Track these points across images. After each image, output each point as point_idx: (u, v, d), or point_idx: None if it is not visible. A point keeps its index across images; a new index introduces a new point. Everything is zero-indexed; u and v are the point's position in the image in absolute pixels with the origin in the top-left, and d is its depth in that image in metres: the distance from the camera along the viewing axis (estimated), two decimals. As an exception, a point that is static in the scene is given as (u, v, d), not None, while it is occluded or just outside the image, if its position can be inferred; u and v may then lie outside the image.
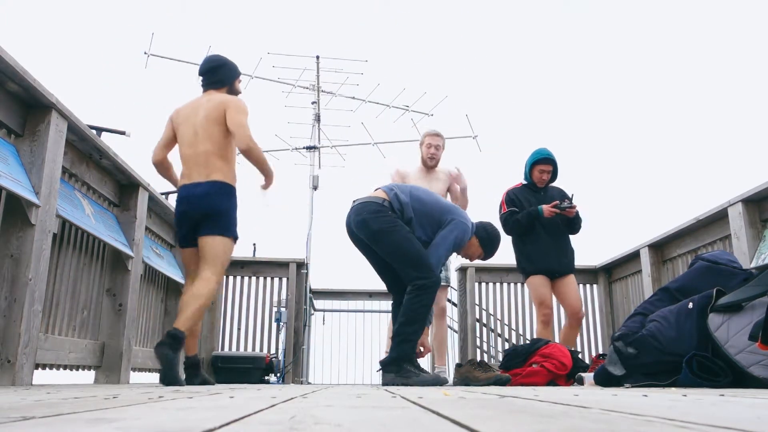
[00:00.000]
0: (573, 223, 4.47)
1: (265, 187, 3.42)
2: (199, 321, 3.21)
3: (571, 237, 4.57)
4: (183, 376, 3.10)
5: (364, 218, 3.49)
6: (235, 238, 3.28)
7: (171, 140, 3.37)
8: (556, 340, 5.12)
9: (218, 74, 3.41)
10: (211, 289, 3.14)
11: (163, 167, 3.42)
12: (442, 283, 4.42)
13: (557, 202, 4.33)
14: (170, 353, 2.92)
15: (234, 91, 3.44)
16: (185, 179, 3.24)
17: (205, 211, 3.17)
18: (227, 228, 3.21)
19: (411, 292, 3.48)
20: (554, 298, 4.64)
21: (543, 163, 4.52)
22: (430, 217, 3.55)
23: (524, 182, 4.61)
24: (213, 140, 3.21)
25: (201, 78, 3.44)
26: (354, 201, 3.65)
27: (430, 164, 4.60)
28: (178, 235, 3.33)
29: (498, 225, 4.22)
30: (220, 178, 3.20)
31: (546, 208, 4.32)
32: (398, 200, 3.54)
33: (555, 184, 4.65)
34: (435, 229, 3.56)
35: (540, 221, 4.38)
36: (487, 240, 3.73)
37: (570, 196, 4.52)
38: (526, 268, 4.56)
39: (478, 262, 4.73)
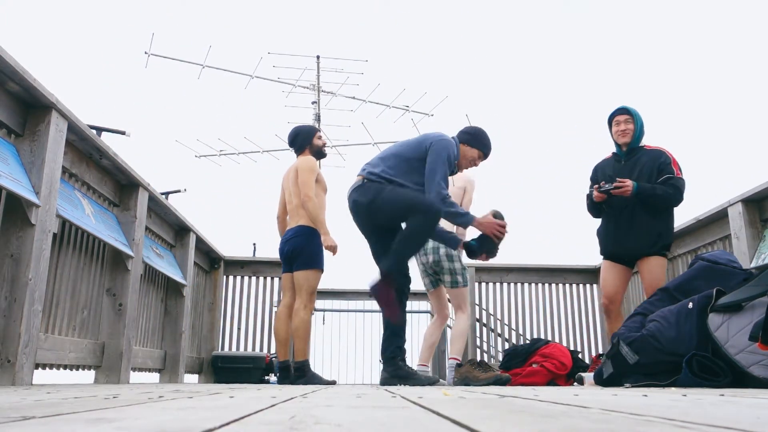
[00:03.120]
0: (647, 202, 3.72)
1: (326, 248, 4.07)
2: (307, 344, 4.06)
3: (654, 216, 3.76)
4: (314, 382, 3.94)
5: (355, 199, 3.61)
6: (317, 269, 4.07)
7: (284, 201, 4.35)
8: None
9: (296, 142, 4.33)
10: (303, 320, 4.00)
11: (280, 224, 4.38)
12: (452, 287, 4.25)
13: (597, 186, 3.79)
14: (304, 379, 3.92)
15: (314, 148, 4.30)
16: (288, 226, 4.22)
17: (291, 249, 4.08)
18: (309, 262, 4.05)
19: (412, 219, 3.47)
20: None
21: (619, 113, 3.91)
22: (412, 160, 3.58)
23: (614, 151, 4.02)
24: (298, 195, 4.11)
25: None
26: (348, 191, 3.74)
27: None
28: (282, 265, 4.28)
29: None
30: (303, 223, 4.08)
31: (594, 194, 3.81)
32: (373, 174, 3.61)
33: (659, 146, 3.89)
34: (422, 161, 3.59)
35: (609, 203, 3.83)
36: (473, 139, 3.75)
37: (663, 160, 3.77)
38: (600, 251, 4.05)
39: (478, 262, 4.73)
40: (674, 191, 3.68)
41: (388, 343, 3.56)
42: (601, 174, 3.98)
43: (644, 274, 3.81)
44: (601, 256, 4.05)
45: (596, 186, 3.78)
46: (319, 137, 4.41)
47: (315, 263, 4.07)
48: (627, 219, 3.78)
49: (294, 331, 4.03)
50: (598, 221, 4.09)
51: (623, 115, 3.90)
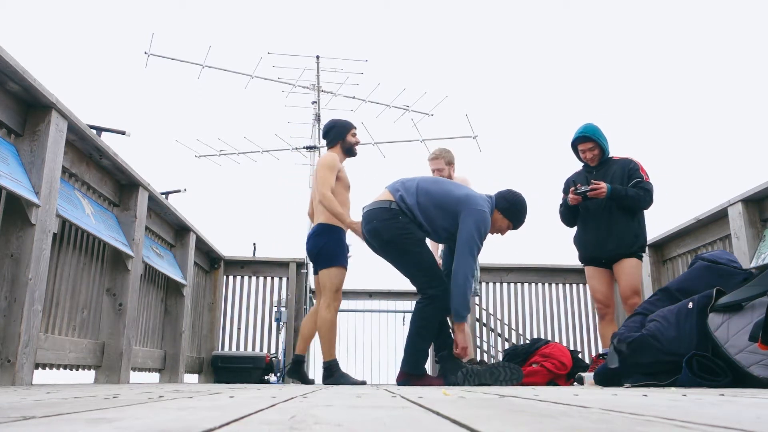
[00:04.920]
0: (620, 204, 3.91)
1: (354, 232, 3.91)
2: (332, 343, 3.96)
3: (628, 219, 3.96)
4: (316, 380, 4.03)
5: (375, 227, 3.48)
6: (338, 266, 3.94)
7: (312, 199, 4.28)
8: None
9: (329, 136, 4.19)
10: (324, 319, 3.92)
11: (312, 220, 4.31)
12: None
13: (573, 188, 3.95)
14: (332, 379, 3.83)
15: (346, 144, 4.16)
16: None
17: (311, 248, 4.02)
18: (329, 260, 3.95)
19: (422, 302, 3.49)
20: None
21: (581, 142, 4.10)
22: (444, 209, 3.49)
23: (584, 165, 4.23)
24: (318, 191, 3.99)
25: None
26: (363, 208, 3.64)
27: None
28: None
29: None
30: (322, 221, 3.98)
31: (570, 197, 3.97)
32: (404, 202, 3.50)
33: (625, 155, 4.10)
34: (454, 217, 3.47)
35: (586, 207, 4.01)
36: (510, 209, 3.60)
37: (631, 167, 3.98)
38: (579, 257, 4.22)
39: (479, 262, 4.76)
40: (645, 193, 3.90)
41: (411, 359, 3.52)
42: (573, 186, 4.13)
43: (622, 276, 3.95)
44: (582, 264, 4.19)
45: (572, 189, 3.92)
46: (354, 134, 4.22)
47: (336, 260, 3.95)
48: (605, 222, 3.96)
49: (318, 330, 3.96)
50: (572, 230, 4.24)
51: (585, 143, 4.09)
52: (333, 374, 3.88)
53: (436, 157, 4.54)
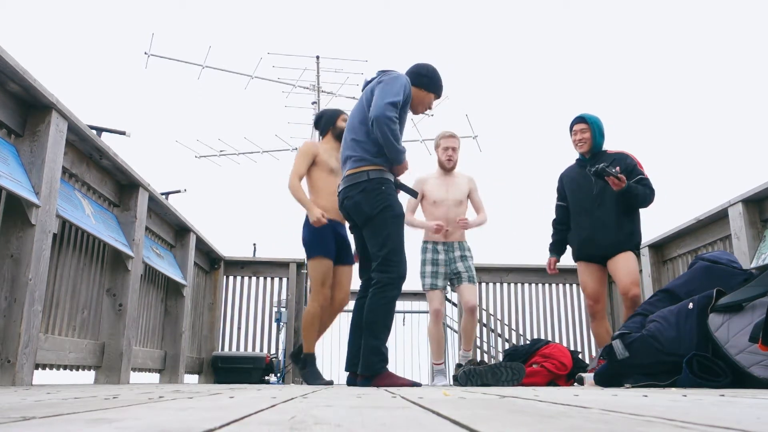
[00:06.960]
0: (626, 198, 3.84)
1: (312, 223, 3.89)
2: (311, 337, 4.00)
3: (628, 213, 3.94)
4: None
5: (357, 201, 3.25)
6: (315, 256, 3.91)
7: None
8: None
9: (319, 126, 4.31)
10: (305, 312, 4.03)
11: None
12: (471, 283, 4.40)
13: (603, 164, 3.76)
14: (304, 372, 3.94)
15: (337, 130, 4.16)
16: None
17: (302, 241, 4.04)
18: (308, 250, 3.97)
19: (371, 290, 3.21)
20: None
21: (576, 122, 4.08)
22: (364, 112, 3.33)
23: (578, 158, 4.19)
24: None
25: None
26: (338, 188, 3.44)
27: (448, 167, 4.49)
28: None
29: None
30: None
31: (589, 168, 3.88)
32: (366, 152, 3.29)
33: (619, 149, 4.06)
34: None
35: (579, 204, 4.02)
36: (429, 81, 3.47)
37: (629, 162, 3.94)
38: (572, 254, 4.20)
39: (479, 261, 4.77)
40: (650, 192, 3.89)
41: (367, 360, 3.19)
42: (567, 181, 4.17)
43: (619, 269, 3.91)
44: (575, 260, 4.19)
45: (598, 166, 3.76)
46: (344, 119, 4.15)
47: (312, 251, 3.93)
48: (599, 220, 3.95)
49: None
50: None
51: (579, 124, 4.08)
52: (306, 367, 3.92)
53: (453, 135, 4.56)
